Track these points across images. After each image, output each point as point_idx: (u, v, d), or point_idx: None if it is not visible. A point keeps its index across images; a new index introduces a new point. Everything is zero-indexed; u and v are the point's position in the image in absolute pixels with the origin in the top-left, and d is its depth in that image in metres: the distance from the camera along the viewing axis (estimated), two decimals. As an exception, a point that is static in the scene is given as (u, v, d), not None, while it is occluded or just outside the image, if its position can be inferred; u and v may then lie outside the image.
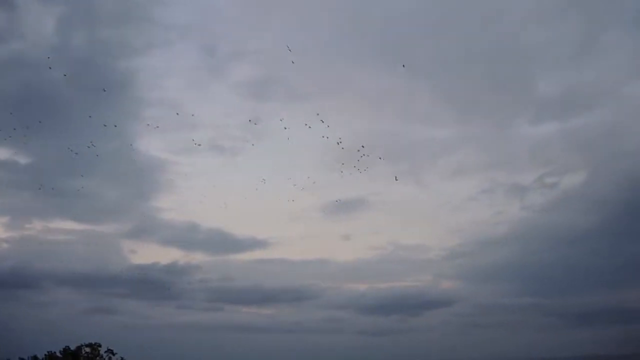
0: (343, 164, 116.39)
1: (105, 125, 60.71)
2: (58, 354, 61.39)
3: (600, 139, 77.52)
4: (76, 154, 60.04)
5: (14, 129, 57.17)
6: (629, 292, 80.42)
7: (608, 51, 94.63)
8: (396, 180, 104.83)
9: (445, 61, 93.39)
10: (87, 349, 61.99)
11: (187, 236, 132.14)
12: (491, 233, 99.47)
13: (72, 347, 61.86)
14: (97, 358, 62.14)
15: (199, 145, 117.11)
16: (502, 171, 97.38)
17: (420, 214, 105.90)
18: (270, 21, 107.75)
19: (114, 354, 63.23)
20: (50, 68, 61.09)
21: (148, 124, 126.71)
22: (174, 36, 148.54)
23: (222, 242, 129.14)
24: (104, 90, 72.95)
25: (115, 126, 66.63)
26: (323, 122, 72.13)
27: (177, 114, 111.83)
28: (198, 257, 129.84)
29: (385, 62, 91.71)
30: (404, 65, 58.07)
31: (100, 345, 62.88)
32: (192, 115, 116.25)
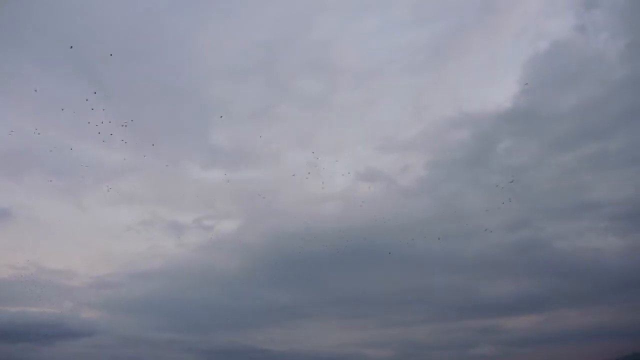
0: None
1: None
2: None
3: (256, 195, 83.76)
4: None
5: None
6: (258, 333, 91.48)
7: (279, 120, 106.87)
8: (56, 197, 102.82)
9: (134, 92, 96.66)
10: None
11: None
12: (144, 266, 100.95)
13: None
14: None
15: None
16: (165, 207, 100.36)
17: (73, 236, 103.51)
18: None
19: None
20: None
21: None
22: None
23: None
24: None
25: None
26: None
27: None
28: None
29: (75, 75, 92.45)
30: (95, 92, 55.28)
31: None
32: None
